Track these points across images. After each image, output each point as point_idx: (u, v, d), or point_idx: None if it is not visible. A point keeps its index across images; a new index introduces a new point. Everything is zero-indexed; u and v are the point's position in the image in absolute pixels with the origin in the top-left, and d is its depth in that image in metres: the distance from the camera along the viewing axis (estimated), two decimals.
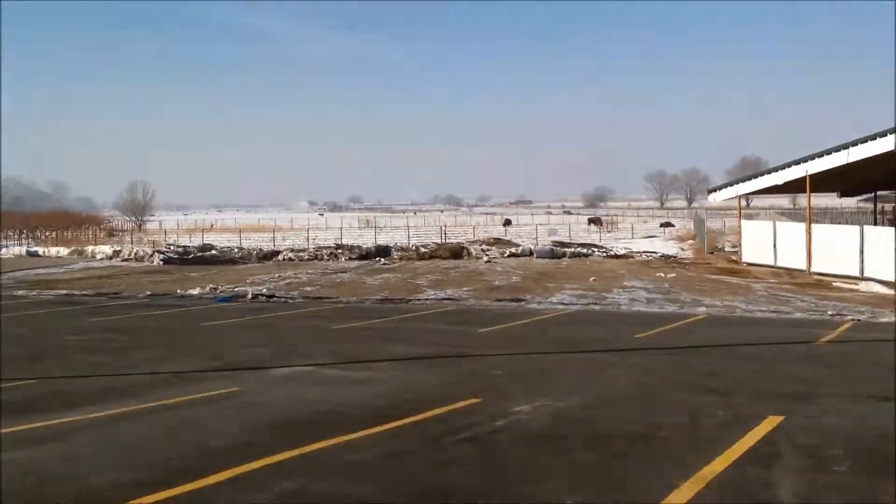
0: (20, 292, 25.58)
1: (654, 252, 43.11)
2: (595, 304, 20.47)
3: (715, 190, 38.12)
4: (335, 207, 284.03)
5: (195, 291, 24.11)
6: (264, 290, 25.21)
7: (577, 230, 68.57)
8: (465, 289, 25.24)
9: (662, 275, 28.98)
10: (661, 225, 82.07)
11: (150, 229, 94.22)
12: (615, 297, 21.88)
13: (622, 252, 43.34)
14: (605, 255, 42.80)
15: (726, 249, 43.47)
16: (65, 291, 25.55)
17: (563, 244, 46.82)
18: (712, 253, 41.12)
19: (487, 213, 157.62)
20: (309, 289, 25.99)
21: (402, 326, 16.59)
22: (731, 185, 36.45)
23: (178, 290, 24.79)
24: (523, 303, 20.99)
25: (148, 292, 24.77)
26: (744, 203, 57.40)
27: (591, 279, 27.73)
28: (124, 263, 43.32)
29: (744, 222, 36.32)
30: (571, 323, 17.16)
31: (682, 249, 46.48)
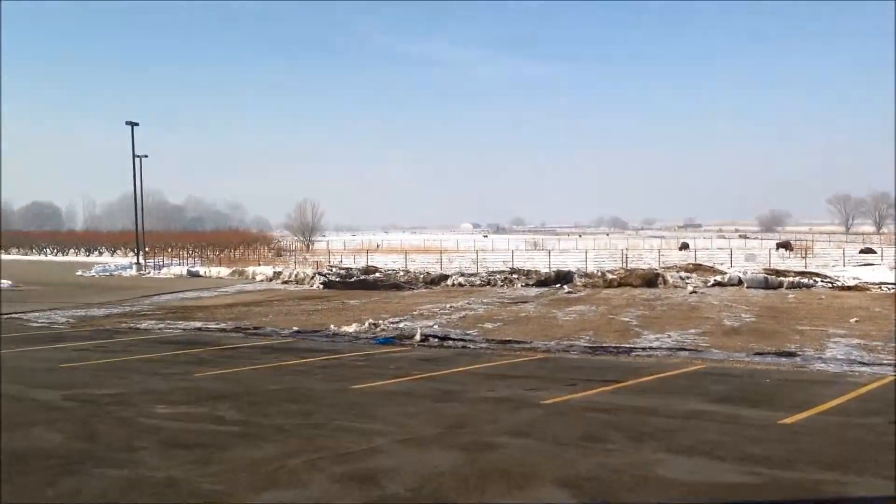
0: (146, 324, 21.63)
1: (893, 284, 35.52)
2: None
3: None
4: (498, 229, 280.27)
5: (351, 329, 19.36)
6: (435, 326, 20.24)
7: (765, 256, 60.27)
8: (690, 331, 19.35)
9: None
10: (861, 251, 72.36)
11: (317, 250, 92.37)
12: None
13: (851, 283, 36.02)
14: (831, 285, 35.73)
15: None
16: (199, 325, 21.41)
17: (776, 272, 39.74)
18: None
19: (657, 237, 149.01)
20: (489, 325, 20.81)
21: (641, 405, 10.98)
22: None
23: (332, 326, 20.15)
24: (796, 359, 14.91)
25: (295, 328, 20.24)
26: None
27: (853, 320, 21.20)
28: (283, 286, 39.86)
29: None
30: None
31: None
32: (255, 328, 20.41)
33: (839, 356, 15.11)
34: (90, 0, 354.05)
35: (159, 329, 20.60)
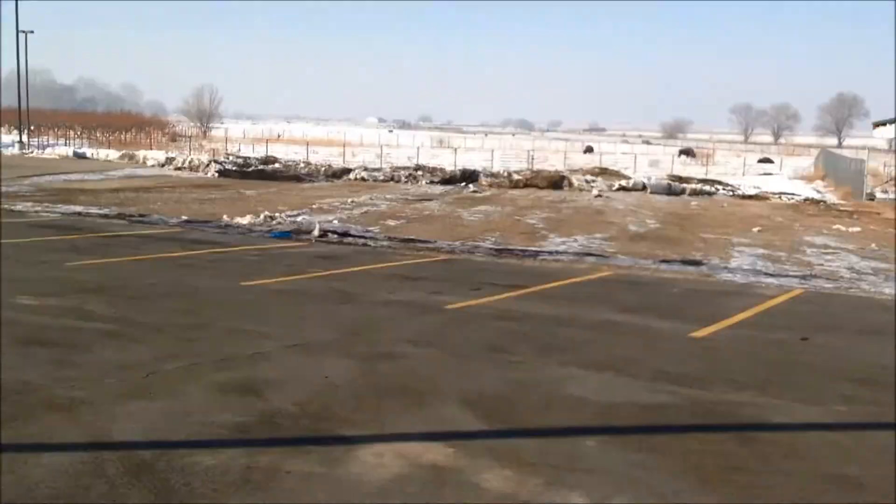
0: (21, 206, 20.00)
1: (792, 194, 36.25)
2: (816, 277, 14.07)
3: (883, 124, 30.97)
4: (404, 125, 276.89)
5: (245, 221, 18.27)
6: (335, 221, 19.33)
7: (668, 162, 61.07)
8: (597, 235, 19.03)
9: (842, 227, 22.38)
10: (760, 161, 74.10)
11: (214, 136, 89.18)
12: (828, 265, 15.46)
13: (753, 192, 36.55)
14: (732, 193, 36.17)
15: (879, 196, 36.31)
16: (80, 209, 19.92)
17: (679, 179, 40.02)
18: (872, 200, 33.94)
19: (563, 139, 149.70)
20: (392, 223, 20.04)
21: (549, 313, 10.48)
22: None
23: (225, 217, 19.01)
24: (703, 267, 14.68)
25: (184, 217, 19.01)
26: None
27: (756, 229, 21.27)
28: (176, 173, 37.98)
29: None
30: (835, 324, 10.87)
31: (819, 192, 39.42)
32: (141, 215, 19.09)
33: (745, 266, 14.96)
34: None
35: (35, 212, 19.06)
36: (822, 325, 10.24)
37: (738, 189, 37.36)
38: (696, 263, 15.06)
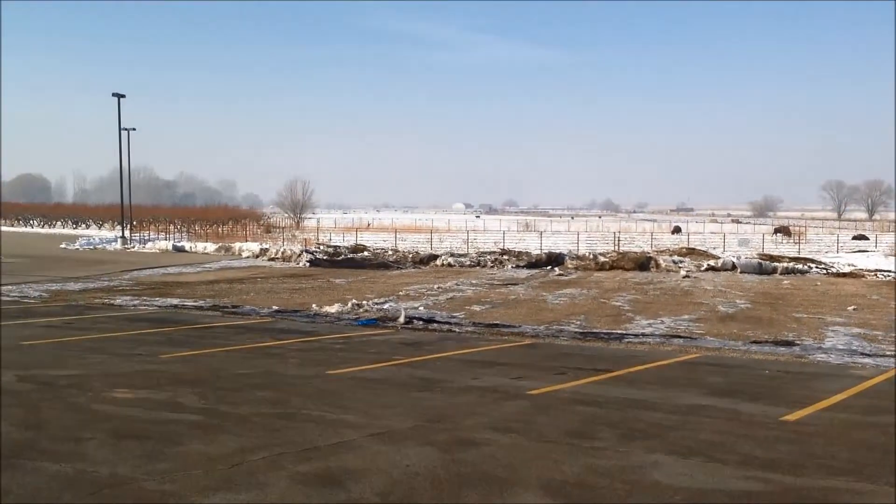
0: (120, 300, 20.82)
1: (888, 271, 34.98)
2: None
3: None
4: (491, 210, 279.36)
5: (333, 309, 18.61)
6: (421, 307, 19.53)
7: (758, 241, 59.72)
8: (684, 317, 18.71)
9: None
10: (854, 238, 71.85)
11: (307, 227, 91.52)
12: None
13: (846, 269, 35.46)
14: (825, 272, 35.16)
15: None
16: (176, 301, 20.62)
17: (770, 257, 39.12)
18: None
19: (649, 220, 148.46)
20: (477, 308, 20.12)
21: (634, 398, 10.32)
22: None
23: (314, 306, 19.40)
24: (795, 348, 14.25)
25: (275, 307, 19.48)
26: None
27: (851, 308, 20.59)
28: (269, 263, 39.04)
29: None
30: None
31: None
32: (234, 306, 19.65)
33: (840, 346, 14.47)
34: None
35: (133, 306, 19.82)
36: None
37: (832, 267, 36.33)
38: (789, 344, 14.63)
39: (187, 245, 51.82)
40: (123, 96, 55.20)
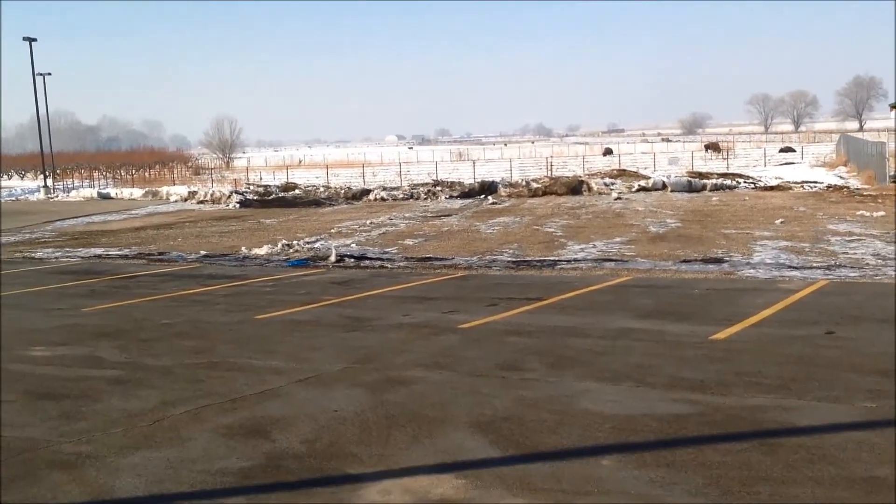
0: (41, 253, 20.12)
1: (814, 182, 35.74)
2: (841, 267, 13.73)
3: None
4: (424, 141, 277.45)
5: (262, 251, 18.23)
6: (353, 244, 19.27)
7: (688, 159, 60.41)
8: (616, 239, 18.79)
9: (866, 213, 21.95)
10: (781, 150, 73.25)
11: (237, 167, 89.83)
12: (852, 253, 15.10)
13: (774, 183, 36.08)
14: (753, 186, 35.72)
15: None
16: (100, 251, 20.00)
17: (700, 175, 39.59)
18: None
19: (581, 143, 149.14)
20: (410, 241, 19.93)
21: (565, 325, 10.30)
22: None
23: (243, 248, 18.99)
24: (724, 265, 14.40)
25: (203, 252, 19.01)
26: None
27: (778, 221, 20.92)
28: (198, 206, 38.19)
29: None
30: (861, 315, 10.57)
31: (842, 178, 38.83)
32: (160, 253, 19.13)
33: (768, 260, 14.67)
34: None
35: (55, 258, 19.16)
36: (848, 316, 9.94)
37: (760, 181, 36.90)
38: (718, 261, 14.79)
39: (113, 191, 50.41)
40: (35, 40, 52.86)
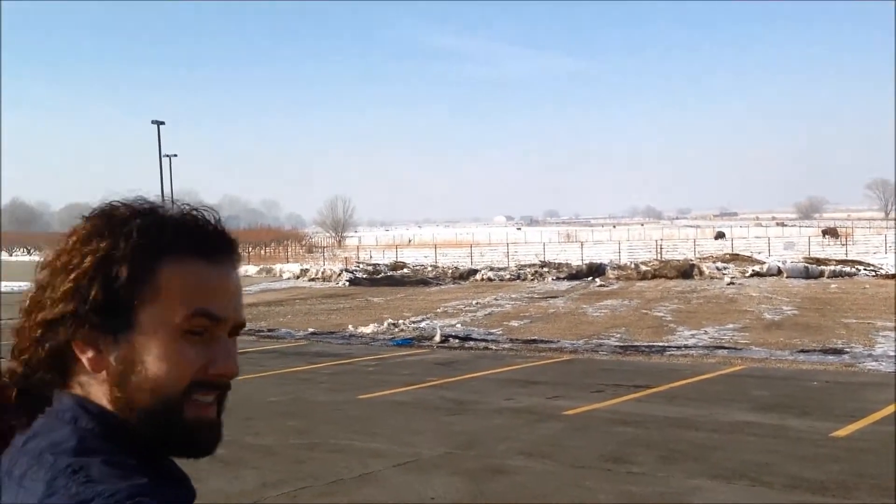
0: None
1: None
2: None
3: None
4: (532, 222, 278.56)
5: (368, 330, 18.40)
6: (458, 325, 19.24)
7: (804, 244, 58.38)
8: (729, 326, 18.18)
9: None
10: None
11: (348, 245, 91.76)
12: None
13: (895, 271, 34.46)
14: (874, 274, 34.19)
15: None
16: None
17: (817, 261, 38.19)
18: None
19: (692, 226, 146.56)
20: (515, 323, 19.78)
21: (674, 415, 9.91)
22: None
23: (350, 326, 19.22)
24: (845, 356, 13.70)
25: (310, 330, 19.32)
26: None
27: None
28: (309, 284, 39.06)
29: None
30: None
31: None
32: (270, 330, 19.53)
33: (891, 353, 13.87)
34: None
35: None
36: None
37: (881, 269, 35.29)
38: (838, 352, 14.08)
39: None
40: (163, 123, 55.87)
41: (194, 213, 1.11)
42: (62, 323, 1.03)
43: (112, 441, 1.02)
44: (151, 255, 1.05)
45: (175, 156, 61.00)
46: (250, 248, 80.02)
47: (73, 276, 1.04)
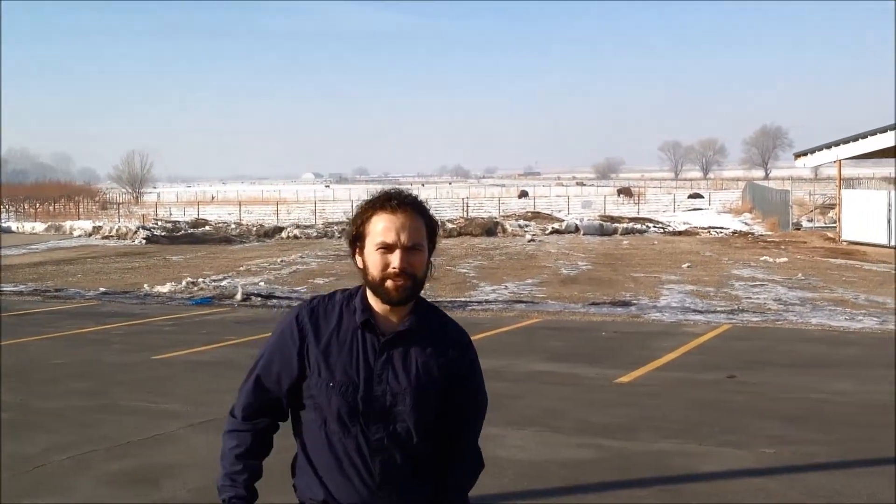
0: None
1: (720, 228, 36.86)
2: (744, 311, 14.03)
3: (804, 154, 31.51)
4: (341, 179, 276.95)
5: (165, 289, 17.68)
6: (261, 283, 18.87)
7: (601, 203, 61.71)
8: (528, 281, 18.87)
9: (770, 259, 22.60)
10: (690, 196, 75.44)
11: (147, 202, 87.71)
12: (755, 298, 15.47)
13: (682, 228, 37.04)
14: (663, 231, 36.54)
15: (805, 226, 37.11)
16: None
17: (611, 219, 40.34)
18: (798, 229, 34.64)
19: (498, 185, 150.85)
20: (320, 281, 19.64)
21: (484, 368, 10.12)
22: (829, 147, 29.79)
23: (146, 286, 18.39)
24: (632, 308, 14.56)
25: (102, 289, 18.33)
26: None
27: (685, 266, 21.35)
28: (102, 242, 36.98)
29: (846, 192, 29.77)
30: (762, 359, 10.74)
31: (747, 224, 40.17)
32: (57, 290, 18.35)
33: (673, 304, 14.89)
34: None
35: None
36: (750, 360, 10.10)
37: (669, 226, 37.80)
38: (626, 304, 14.95)
39: (13, 225, 48.56)
40: None
41: (387, 189, 2.46)
42: (351, 243, 2.52)
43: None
44: (364, 212, 2.44)
45: None
46: (38, 205, 74.91)
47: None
